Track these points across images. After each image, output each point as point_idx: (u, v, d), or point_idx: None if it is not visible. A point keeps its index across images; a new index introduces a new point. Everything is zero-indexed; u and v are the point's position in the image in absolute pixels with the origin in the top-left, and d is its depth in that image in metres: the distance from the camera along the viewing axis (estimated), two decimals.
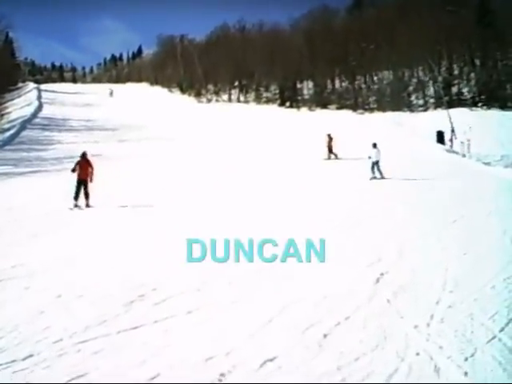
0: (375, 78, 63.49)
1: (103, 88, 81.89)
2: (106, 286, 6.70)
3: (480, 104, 47.17)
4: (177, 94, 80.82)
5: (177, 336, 5.26)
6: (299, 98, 66.76)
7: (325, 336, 5.21)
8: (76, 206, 12.82)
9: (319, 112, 57.61)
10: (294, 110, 61.34)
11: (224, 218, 11.15)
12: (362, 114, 54.68)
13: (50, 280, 7.01)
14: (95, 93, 71.03)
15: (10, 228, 10.32)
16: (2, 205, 13.14)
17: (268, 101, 69.84)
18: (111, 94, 66.78)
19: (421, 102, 54.35)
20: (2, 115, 43.66)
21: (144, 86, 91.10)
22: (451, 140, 28.30)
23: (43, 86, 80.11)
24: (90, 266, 7.68)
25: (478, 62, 54.44)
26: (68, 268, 7.58)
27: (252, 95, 73.67)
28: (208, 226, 10.16)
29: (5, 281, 6.94)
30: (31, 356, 4.78)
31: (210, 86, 79.84)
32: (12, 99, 59.05)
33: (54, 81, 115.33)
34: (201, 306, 6.01)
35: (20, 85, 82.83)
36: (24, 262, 7.75)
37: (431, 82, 55.00)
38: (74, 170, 13.40)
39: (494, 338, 5.17)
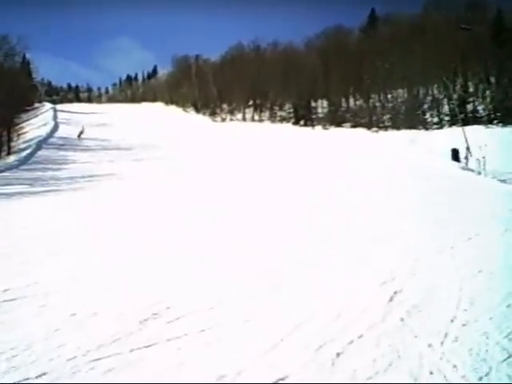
0: (390, 96, 63.63)
1: (119, 107, 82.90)
2: (121, 305, 6.70)
3: (495, 121, 46.96)
4: (192, 114, 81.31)
5: (189, 354, 5.26)
6: (314, 116, 67.01)
7: (338, 355, 5.18)
8: None
9: (333, 130, 57.75)
10: (308, 129, 61.53)
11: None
12: (376, 132, 54.72)
13: (64, 299, 7.01)
14: (110, 113, 71.75)
15: (25, 247, 10.37)
16: (18, 223, 13.24)
17: (282, 119, 70.26)
18: (80, 135, 46.55)
19: (436, 119, 54.32)
20: (19, 135, 44.17)
21: (159, 106, 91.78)
22: (466, 157, 28.17)
23: (59, 107, 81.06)
24: (106, 284, 7.69)
25: (493, 79, 54.43)
26: (83, 287, 7.59)
27: (266, 114, 74.05)
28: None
29: (19, 299, 6.96)
30: (45, 374, 4.79)
31: (225, 105, 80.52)
32: (28, 119, 59.78)
33: (70, 101, 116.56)
34: (213, 325, 6.00)
35: (36, 105, 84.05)
36: (39, 281, 7.77)
37: (446, 99, 54.99)
38: None
39: (509, 357, 5.08)
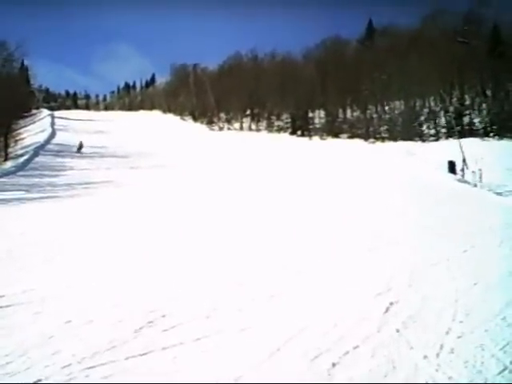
0: (387, 108, 63.80)
1: (116, 115, 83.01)
2: (116, 313, 6.68)
3: (491, 134, 47.20)
4: (189, 122, 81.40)
5: (185, 362, 5.25)
6: (311, 126, 67.12)
7: (333, 365, 5.17)
8: None
9: (331, 141, 57.90)
10: (305, 139, 61.73)
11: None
12: (373, 143, 54.87)
13: (60, 305, 6.99)
14: (108, 120, 71.86)
15: (22, 253, 10.33)
16: (15, 230, 13.20)
17: (279, 129, 70.36)
18: (79, 149, 41.97)
19: (432, 131, 54.49)
20: (16, 141, 44.15)
21: (157, 114, 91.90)
22: (463, 170, 28.30)
23: (57, 113, 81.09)
24: (101, 292, 7.67)
25: (489, 92, 54.65)
26: (79, 294, 7.58)
27: (264, 123, 74.16)
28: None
29: (15, 305, 6.93)
30: (40, 381, 4.77)
31: (222, 115, 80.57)
32: (26, 125, 59.73)
33: (67, 108, 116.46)
34: (210, 334, 5.99)
35: (34, 111, 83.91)
36: (35, 288, 7.75)
37: (443, 112, 55.22)
38: None
39: (505, 369, 5.09)
